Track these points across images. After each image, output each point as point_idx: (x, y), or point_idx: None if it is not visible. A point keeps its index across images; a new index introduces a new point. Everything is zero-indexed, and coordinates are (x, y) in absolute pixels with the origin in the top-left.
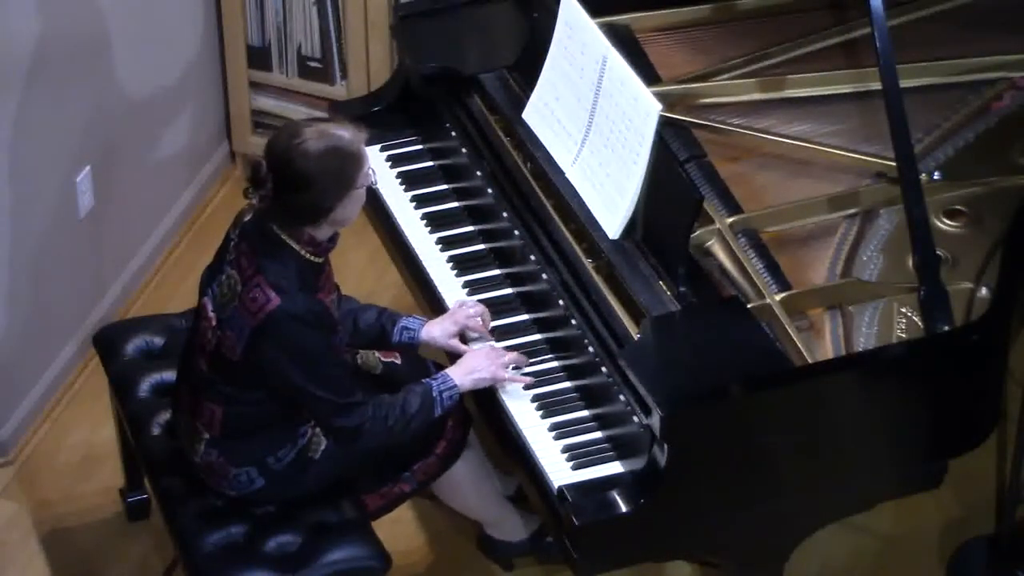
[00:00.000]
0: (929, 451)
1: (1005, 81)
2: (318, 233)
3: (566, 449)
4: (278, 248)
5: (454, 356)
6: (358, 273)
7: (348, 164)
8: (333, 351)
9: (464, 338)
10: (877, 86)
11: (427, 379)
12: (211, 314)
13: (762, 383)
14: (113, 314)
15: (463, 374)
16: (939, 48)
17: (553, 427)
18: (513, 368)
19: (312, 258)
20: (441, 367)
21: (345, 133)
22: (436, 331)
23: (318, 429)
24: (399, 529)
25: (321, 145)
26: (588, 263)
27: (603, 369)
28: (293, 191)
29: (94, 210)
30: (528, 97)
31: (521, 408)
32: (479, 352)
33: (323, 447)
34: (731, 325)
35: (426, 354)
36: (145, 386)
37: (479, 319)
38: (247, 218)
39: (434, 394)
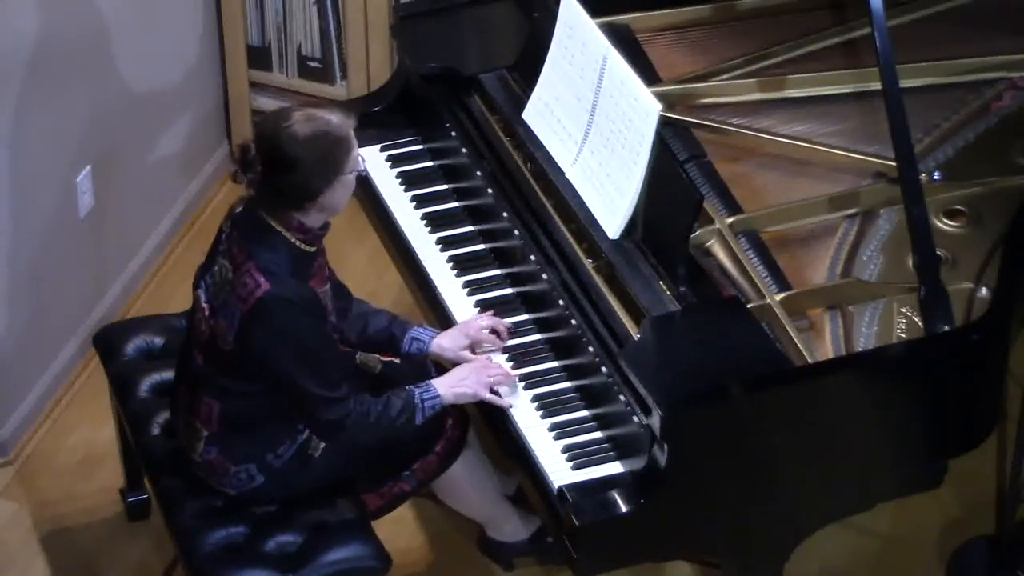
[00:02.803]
0: (929, 451)
1: (1005, 81)
2: (307, 220)
3: (566, 449)
4: (268, 235)
5: None
6: (358, 273)
7: (336, 148)
8: (322, 339)
9: (474, 351)
10: (877, 86)
11: (411, 386)
12: (204, 304)
13: (762, 383)
14: (113, 314)
15: (447, 386)
16: (939, 48)
17: (553, 427)
18: (499, 386)
19: (303, 246)
20: (443, 369)
21: (333, 118)
22: (446, 342)
23: None
24: (399, 529)
25: (309, 128)
26: (588, 263)
27: (603, 369)
28: (281, 174)
29: (94, 210)
30: (528, 97)
31: (521, 408)
32: (467, 366)
33: (323, 445)
34: (731, 325)
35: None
36: (145, 386)
37: (491, 333)
38: (238, 210)
39: (416, 401)
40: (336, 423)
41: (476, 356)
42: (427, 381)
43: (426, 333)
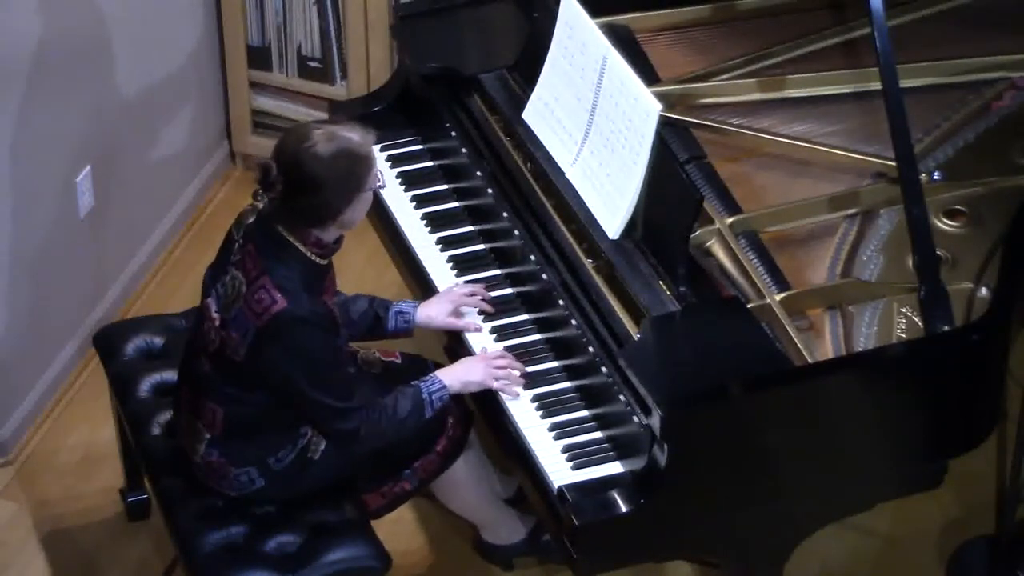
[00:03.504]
0: (929, 451)
1: (1005, 81)
2: (324, 235)
3: (566, 449)
4: (284, 250)
5: (452, 352)
6: (358, 273)
7: (358, 166)
8: (335, 354)
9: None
10: (877, 86)
11: (417, 381)
12: (215, 315)
13: (762, 383)
14: (113, 314)
15: (454, 377)
16: (939, 48)
17: (553, 427)
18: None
19: (318, 260)
20: (441, 367)
21: (354, 136)
22: (432, 311)
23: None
24: (399, 529)
25: (331, 148)
26: (588, 263)
27: (603, 369)
28: (303, 194)
29: (94, 210)
30: (528, 97)
31: (521, 408)
32: (474, 357)
33: (323, 448)
34: (731, 325)
35: (427, 354)
36: (145, 386)
37: (475, 297)
38: (250, 219)
39: (423, 395)
40: (351, 432)
41: (465, 323)
42: (432, 374)
43: (409, 305)
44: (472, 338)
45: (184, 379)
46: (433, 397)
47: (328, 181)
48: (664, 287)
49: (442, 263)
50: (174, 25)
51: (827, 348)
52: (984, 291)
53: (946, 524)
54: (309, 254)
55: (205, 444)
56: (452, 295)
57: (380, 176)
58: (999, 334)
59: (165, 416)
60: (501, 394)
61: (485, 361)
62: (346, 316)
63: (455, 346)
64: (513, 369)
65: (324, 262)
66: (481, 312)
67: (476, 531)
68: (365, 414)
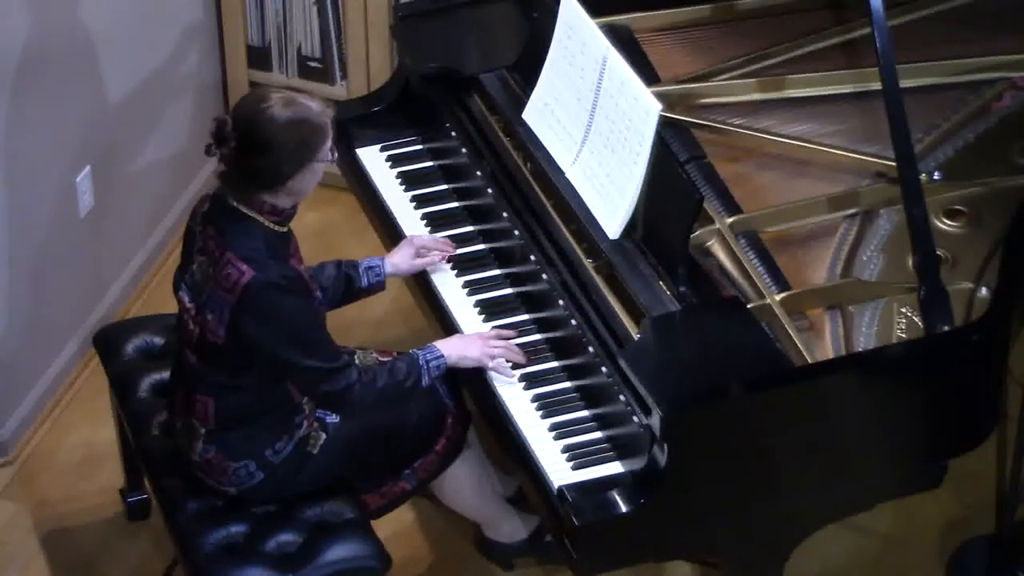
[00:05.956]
0: (929, 451)
1: (1005, 81)
2: (277, 201)
3: (566, 449)
4: (242, 222)
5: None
6: None
7: (312, 135)
8: (313, 316)
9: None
10: (877, 86)
11: (413, 350)
12: (189, 305)
13: (762, 383)
14: (113, 314)
15: (451, 348)
16: (939, 48)
17: (553, 427)
18: (503, 361)
19: (277, 228)
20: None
21: (313, 105)
22: (397, 259)
23: (316, 424)
24: (399, 529)
25: (288, 113)
26: (588, 263)
27: (603, 369)
28: (253, 154)
29: (94, 210)
30: (528, 97)
31: (521, 408)
32: (473, 334)
33: (321, 442)
34: (731, 325)
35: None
36: (145, 386)
37: (436, 242)
38: (205, 207)
39: (420, 363)
40: (344, 391)
41: (430, 259)
42: (430, 344)
43: (376, 259)
44: (445, 291)
45: (176, 380)
46: (431, 365)
47: (280, 145)
48: (664, 287)
49: (442, 263)
50: (174, 25)
51: (827, 348)
52: (984, 291)
53: (946, 524)
54: (267, 222)
55: (202, 441)
56: (414, 241)
57: (333, 152)
58: (999, 334)
59: (165, 416)
60: (501, 394)
61: (483, 340)
62: (318, 286)
63: (433, 305)
64: (510, 355)
65: (284, 229)
66: (454, 267)
67: (478, 529)
68: (355, 374)
